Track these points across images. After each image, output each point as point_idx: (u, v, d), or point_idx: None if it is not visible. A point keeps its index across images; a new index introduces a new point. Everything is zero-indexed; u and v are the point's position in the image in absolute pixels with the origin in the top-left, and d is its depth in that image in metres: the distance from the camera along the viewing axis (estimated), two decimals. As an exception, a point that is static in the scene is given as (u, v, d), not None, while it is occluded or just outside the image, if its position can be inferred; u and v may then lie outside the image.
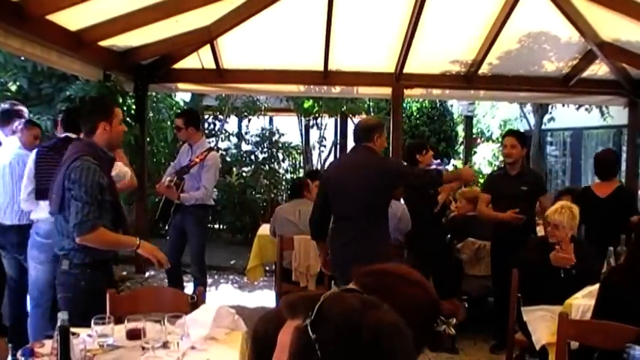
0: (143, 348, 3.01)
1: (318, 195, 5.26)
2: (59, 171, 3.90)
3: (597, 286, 4.15)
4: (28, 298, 5.51)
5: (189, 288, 7.04)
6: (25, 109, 6.27)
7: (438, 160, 8.14)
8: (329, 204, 5.04)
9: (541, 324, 4.67)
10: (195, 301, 3.59)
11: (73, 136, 5.20)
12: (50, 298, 5.14)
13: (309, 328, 1.10)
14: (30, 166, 5.20)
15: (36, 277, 5.19)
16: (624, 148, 10.80)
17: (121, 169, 5.28)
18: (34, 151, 5.27)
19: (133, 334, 3.08)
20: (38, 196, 5.15)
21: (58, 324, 2.65)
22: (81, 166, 3.75)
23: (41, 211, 5.10)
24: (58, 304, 4.17)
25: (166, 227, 7.09)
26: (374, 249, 4.71)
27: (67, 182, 3.75)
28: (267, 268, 8.12)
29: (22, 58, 8.29)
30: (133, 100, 8.74)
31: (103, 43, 7.13)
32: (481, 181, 14.06)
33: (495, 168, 14.55)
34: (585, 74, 8.85)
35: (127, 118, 8.25)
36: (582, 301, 4.23)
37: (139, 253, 4.04)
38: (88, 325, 3.08)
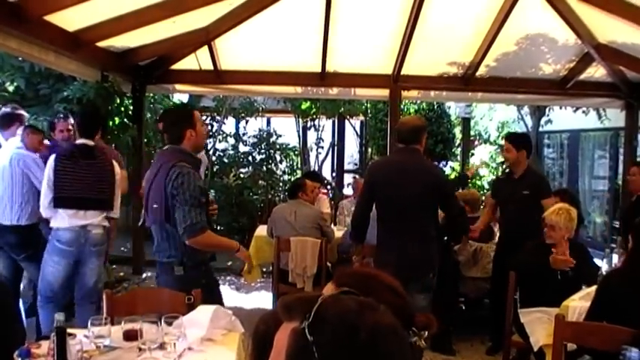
0: (140, 349, 3.01)
1: (363, 197, 5.12)
2: (153, 182, 4.02)
3: (594, 288, 4.16)
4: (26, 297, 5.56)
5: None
6: (25, 114, 6.33)
7: None
8: (371, 205, 5.02)
9: (538, 326, 4.68)
10: (192, 302, 3.58)
11: (91, 143, 5.39)
12: (64, 296, 5.37)
13: (306, 330, 1.09)
14: (48, 173, 5.21)
15: (54, 277, 5.27)
16: (621, 151, 10.81)
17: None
18: (52, 160, 5.26)
19: (130, 335, 3.07)
20: (57, 204, 5.21)
21: (55, 325, 2.65)
22: (181, 172, 3.89)
23: (61, 220, 5.22)
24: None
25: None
26: (429, 249, 4.88)
27: (171, 189, 3.87)
28: (265, 270, 8.11)
29: (20, 58, 8.30)
30: (130, 101, 8.76)
31: (101, 44, 7.13)
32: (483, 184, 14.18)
33: (492, 170, 14.60)
34: (582, 77, 8.87)
35: (125, 119, 8.27)
36: (579, 303, 4.24)
37: (236, 256, 4.30)
38: None
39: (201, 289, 3.79)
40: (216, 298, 4.07)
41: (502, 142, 14.28)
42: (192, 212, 3.87)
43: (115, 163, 5.60)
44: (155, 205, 3.97)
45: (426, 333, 1.25)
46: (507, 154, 6.20)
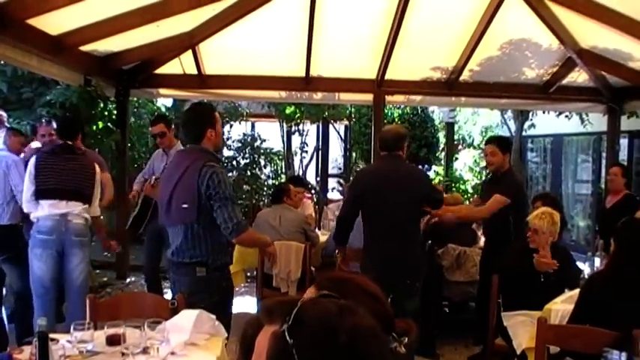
0: (123, 354, 2.99)
1: (350, 202, 5.26)
2: (177, 183, 4.00)
3: (576, 291, 4.19)
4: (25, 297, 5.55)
5: (168, 294, 7.01)
6: (5, 115, 6.31)
7: None
8: (357, 212, 5.12)
9: (521, 329, 4.68)
10: (176, 307, 3.57)
11: (70, 142, 5.49)
12: (55, 293, 5.37)
13: (286, 333, 1.10)
14: (30, 170, 5.26)
15: (40, 275, 5.25)
16: (604, 155, 10.88)
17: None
18: (34, 157, 5.39)
19: (113, 340, 3.06)
20: (39, 195, 5.24)
21: (37, 329, 2.64)
22: (215, 170, 3.91)
23: (41, 209, 5.24)
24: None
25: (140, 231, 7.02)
26: (418, 252, 5.15)
27: (206, 189, 3.88)
28: (249, 274, 8.09)
29: (2, 62, 8.24)
30: (114, 106, 8.71)
31: (84, 48, 7.11)
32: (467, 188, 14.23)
33: (476, 174, 14.66)
34: (565, 81, 8.93)
35: (108, 124, 8.23)
36: (561, 306, 4.26)
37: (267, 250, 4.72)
38: None
39: (222, 292, 3.94)
40: (231, 302, 4.25)
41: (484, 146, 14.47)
42: (236, 210, 3.95)
43: (96, 165, 5.63)
44: (185, 206, 3.94)
45: (406, 339, 1.25)
46: (492, 157, 6.21)
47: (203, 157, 3.98)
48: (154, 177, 6.52)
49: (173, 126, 7.14)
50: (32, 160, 5.31)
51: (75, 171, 5.39)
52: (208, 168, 3.89)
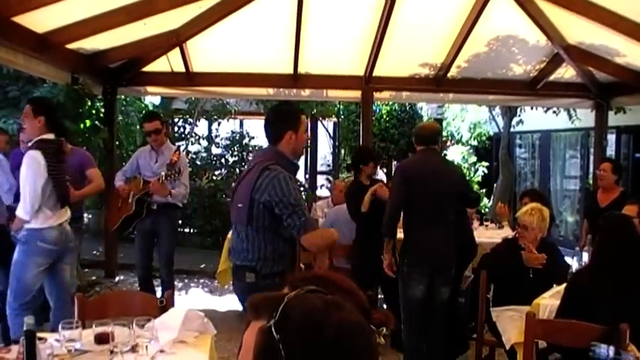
0: (111, 352, 2.98)
1: (399, 194, 5.31)
2: (242, 181, 3.93)
3: (564, 286, 4.21)
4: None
5: (158, 292, 6.99)
6: None
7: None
8: (404, 202, 5.29)
9: (510, 324, 4.71)
10: (165, 305, 3.57)
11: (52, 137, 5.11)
12: (37, 300, 5.25)
13: (273, 328, 1.10)
14: (42, 173, 4.88)
15: (33, 281, 5.05)
16: (592, 150, 10.93)
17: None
18: (39, 156, 4.90)
19: (101, 339, 3.05)
20: (63, 202, 5.11)
21: (24, 328, 2.63)
22: (276, 175, 3.69)
23: (45, 219, 5.00)
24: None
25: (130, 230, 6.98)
26: (454, 243, 5.29)
27: (260, 193, 3.69)
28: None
29: (-12, 60, 8.20)
30: (101, 104, 8.68)
31: (71, 46, 7.08)
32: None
33: (465, 170, 14.67)
34: (552, 77, 8.97)
35: (96, 122, 8.20)
36: (549, 301, 4.28)
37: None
38: None
39: None
40: None
41: (474, 142, 14.50)
42: (302, 210, 3.71)
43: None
44: (240, 205, 3.81)
45: (384, 329, 1.25)
46: None
47: (271, 159, 3.81)
48: (163, 174, 6.39)
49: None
50: (42, 162, 4.86)
51: (66, 171, 5.23)
52: (270, 172, 3.71)
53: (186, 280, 9.29)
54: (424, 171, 5.27)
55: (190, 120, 13.13)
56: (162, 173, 6.38)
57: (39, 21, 6.12)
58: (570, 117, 11.94)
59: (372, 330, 1.18)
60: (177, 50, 8.17)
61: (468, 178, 13.79)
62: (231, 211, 3.99)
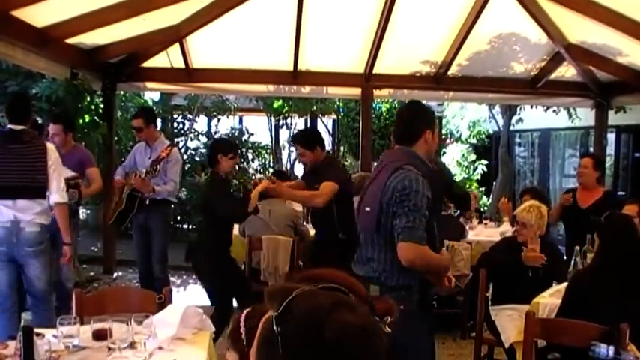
0: (109, 348, 2.97)
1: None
2: (372, 183, 3.59)
3: (564, 285, 4.21)
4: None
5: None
6: None
7: None
8: None
9: (509, 323, 4.70)
10: (163, 301, 3.55)
11: (19, 128, 4.95)
12: (15, 301, 4.99)
13: (274, 320, 1.10)
14: None
15: None
16: (591, 149, 10.93)
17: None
18: None
19: (100, 335, 3.03)
20: None
21: (22, 324, 2.61)
22: (409, 176, 3.35)
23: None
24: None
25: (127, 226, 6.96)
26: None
27: (391, 196, 3.35)
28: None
29: (-13, 55, 8.17)
30: (101, 99, 8.65)
31: (70, 41, 7.05)
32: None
33: (464, 169, 14.67)
34: (553, 76, 8.96)
35: (95, 117, 8.18)
36: (549, 300, 4.27)
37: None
38: None
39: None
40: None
41: (474, 141, 14.48)
42: (417, 218, 3.30)
43: (48, 147, 5.02)
44: (367, 209, 3.52)
45: (389, 318, 1.23)
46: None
47: (404, 160, 3.47)
48: (144, 170, 6.40)
49: (159, 120, 7.08)
50: None
51: (25, 163, 4.87)
52: (403, 172, 3.38)
53: (184, 277, 9.27)
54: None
55: (190, 116, 13.11)
56: (143, 170, 6.38)
57: (38, 15, 6.09)
58: (570, 116, 11.94)
59: (383, 340, 1.15)
60: (176, 46, 8.15)
61: (467, 176, 13.86)
62: (358, 216, 3.70)
